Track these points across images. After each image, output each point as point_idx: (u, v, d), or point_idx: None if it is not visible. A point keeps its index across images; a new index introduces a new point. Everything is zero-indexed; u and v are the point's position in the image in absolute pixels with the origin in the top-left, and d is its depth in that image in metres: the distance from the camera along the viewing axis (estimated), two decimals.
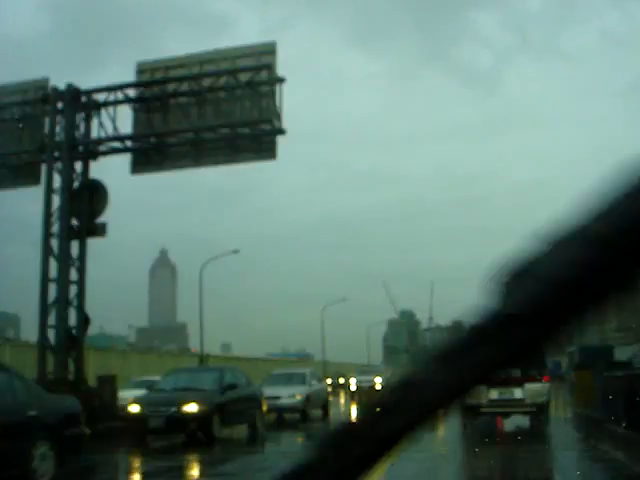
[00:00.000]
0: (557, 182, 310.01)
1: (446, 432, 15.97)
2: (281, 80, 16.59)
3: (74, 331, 16.51)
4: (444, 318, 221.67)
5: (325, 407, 20.68)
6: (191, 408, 12.93)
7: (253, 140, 17.12)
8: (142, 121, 17.32)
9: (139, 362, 32.82)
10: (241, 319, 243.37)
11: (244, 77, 16.47)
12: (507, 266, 0.69)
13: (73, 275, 16.83)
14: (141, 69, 17.63)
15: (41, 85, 17.75)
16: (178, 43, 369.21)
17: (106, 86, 17.79)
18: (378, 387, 31.17)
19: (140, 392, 15.75)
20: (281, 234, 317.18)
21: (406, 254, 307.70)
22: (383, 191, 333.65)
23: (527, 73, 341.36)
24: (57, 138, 17.01)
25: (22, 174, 18.16)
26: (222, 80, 16.75)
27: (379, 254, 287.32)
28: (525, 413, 14.73)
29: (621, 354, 27.57)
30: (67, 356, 16.32)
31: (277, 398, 17.66)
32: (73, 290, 16.75)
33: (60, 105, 17.12)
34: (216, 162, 17.81)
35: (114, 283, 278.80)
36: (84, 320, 16.62)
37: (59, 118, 17.12)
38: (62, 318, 16.25)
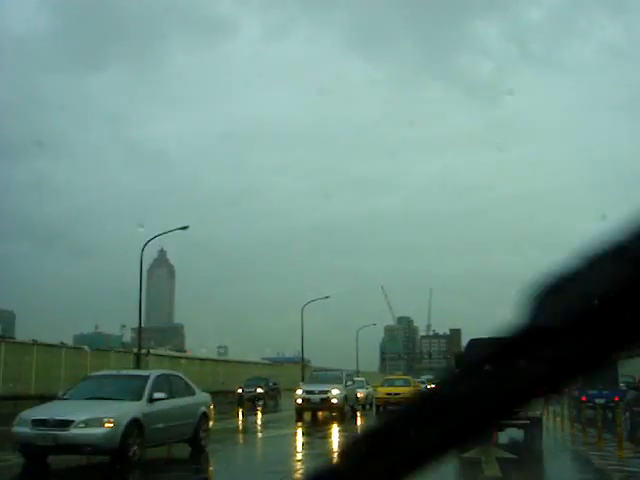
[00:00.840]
0: (557, 194, 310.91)
1: None
2: None
3: None
4: (442, 326, 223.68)
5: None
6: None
7: None
8: None
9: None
10: (238, 322, 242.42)
11: None
12: (542, 281, 0.73)
13: None
14: None
15: None
16: (179, 46, 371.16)
17: None
18: (335, 401, 24.12)
19: None
20: (280, 238, 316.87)
21: (404, 262, 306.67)
22: (382, 198, 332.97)
23: (528, 84, 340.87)
24: None
25: None
26: None
27: (377, 261, 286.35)
28: (519, 427, 14.84)
29: (625, 367, 26.68)
30: None
31: None
32: None
33: None
34: None
35: (111, 283, 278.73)
36: None
37: None
38: None
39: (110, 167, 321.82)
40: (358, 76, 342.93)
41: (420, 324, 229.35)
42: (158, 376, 12.40)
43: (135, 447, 10.59)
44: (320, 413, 24.90)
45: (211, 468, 12.79)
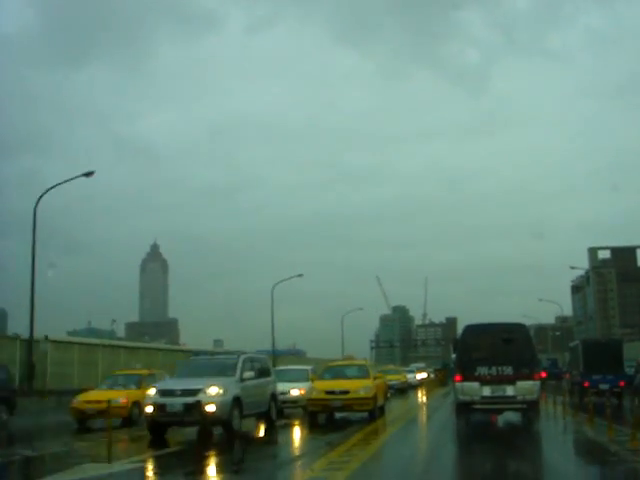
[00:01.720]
0: (546, 181, 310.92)
1: (441, 426, 16.58)
2: None
3: None
4: (438, 315, 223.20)
5: None
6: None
7: None
8: None
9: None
10: (233, 316, 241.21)
11: None
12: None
13: None
14: None
15: None
16: (165, 39, 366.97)
17: None
18: (210, 409, 12.87)
19: None
20: (273, 231, 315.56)
21: (399, 252, 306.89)
22: (375, 189, 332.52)
23: (515, 72, 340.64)
24: None
25: None
26: None
27: (372, 252, 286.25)
28: (516, 410, 15.20)
29: (629, 351, 25.90)
30: None
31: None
32: None
33: None
34: None
35: (104, 278, 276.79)
36: None
37: None
38: None
39: (99, 163, 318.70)
40: (346, 67, 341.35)
41: (416, 313, 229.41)
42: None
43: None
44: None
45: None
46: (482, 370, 14.67)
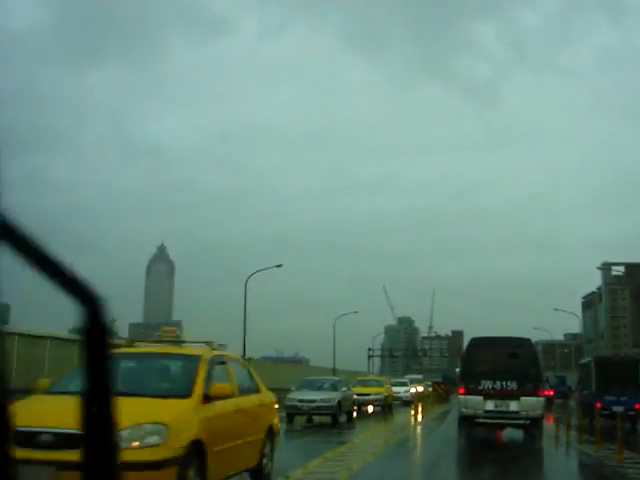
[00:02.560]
0: (556, 197, 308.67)
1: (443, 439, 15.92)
2: None
3: None
4: (444, 328, 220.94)
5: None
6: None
7: None
8: None
9: None
10: (238, 322, 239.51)
11: None
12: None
13: None
14: None
15: None
16: (178, 41, 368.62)
17: None
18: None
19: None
20: (280, 238, 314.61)
21: (406, 263, 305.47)
22: (384, 200, 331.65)
23: (526, 88, 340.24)
24: None
25: None
26: None
27: (378, 262, 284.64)
28: (519, 426, 14.97)
29: None
30: None
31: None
32: None
33: None
34: None
35: (110, 278, 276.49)
36: None
37: None
38: None
39: (108, 164, 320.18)
40: (357, 77, 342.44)
41: (422, 325, 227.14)
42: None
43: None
44: None
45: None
46: (486, 384, 14.51)
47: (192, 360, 7.10)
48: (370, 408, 27.22)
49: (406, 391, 37.06)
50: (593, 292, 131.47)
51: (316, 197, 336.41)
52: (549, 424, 22.72)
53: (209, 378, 6.74)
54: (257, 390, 8.41)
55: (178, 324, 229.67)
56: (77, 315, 0.97)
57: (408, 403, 32.45)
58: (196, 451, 5.85)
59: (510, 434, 15.95)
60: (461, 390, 14.88)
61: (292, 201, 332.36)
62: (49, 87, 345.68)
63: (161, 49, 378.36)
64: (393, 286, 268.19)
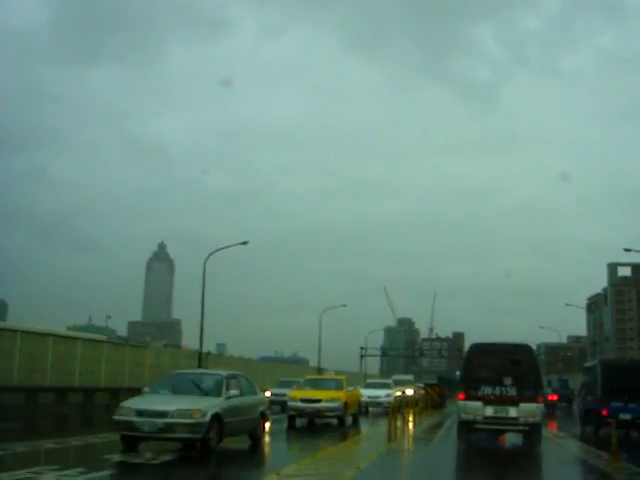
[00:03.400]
0: (557, 201, 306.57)
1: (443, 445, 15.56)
2: None
3: None
4: (444, 330, 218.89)
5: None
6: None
7: None
8: None
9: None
10: (237, 320, 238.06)
11: None
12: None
13: None
14: None
15: None
16: (178, 41, 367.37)
17: None
18: None
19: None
20: (281, 238, 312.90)
21: (408, 265, 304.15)
22: (385, 202, 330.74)
23: (526, 91, 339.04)
24: None
25: None
26: None
27: (379, 263, 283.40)
28: (518, 432, 15.09)
29: None
30: None
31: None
32: None
33: None
34: None
35: (110, 276, 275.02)
36: None
37: None
38: None
39: (109, 163, 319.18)
40: (358, 77, 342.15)
41: (422, 327, 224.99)
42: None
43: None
44: None
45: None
46: (486, 390, 14.60)
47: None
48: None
49: (388, 395, 28.65)
50: (598, 293, 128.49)
51: (317, 197, 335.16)
52: (552, 432, 20.86)
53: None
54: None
55: (177, 323, 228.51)
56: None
57: (341, 421, 20.42)
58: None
59: (510, 441, 15.68)
60: (461, 396, 14.92)
61: (293, 201, 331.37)
62: (51, 86, 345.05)
63: (163, 48, 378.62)
64: (394, 288, 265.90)
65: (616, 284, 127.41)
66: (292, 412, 19.18)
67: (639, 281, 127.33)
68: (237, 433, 12.98)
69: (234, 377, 13.43)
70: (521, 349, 15.77)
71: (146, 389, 13.61)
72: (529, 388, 14.54)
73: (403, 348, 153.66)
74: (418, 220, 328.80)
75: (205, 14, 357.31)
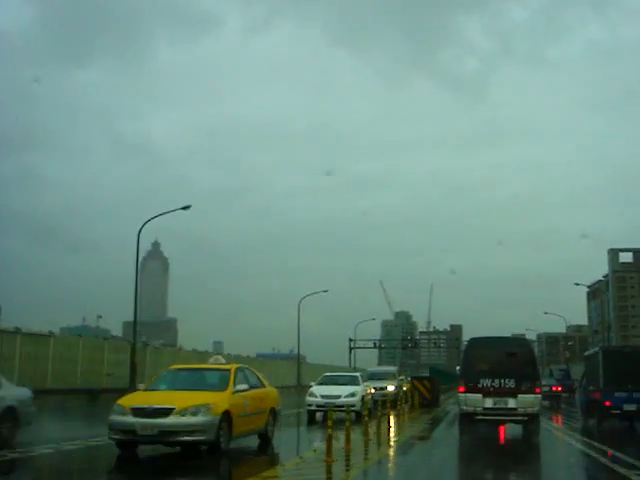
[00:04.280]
0: (551, 192, 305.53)
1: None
2: None
3: None
4: (442, 323, 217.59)
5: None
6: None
7: None
8: None
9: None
10: (233, 317, 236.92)
11: None
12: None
13: None
14: None
15: None
16: (164, 40, 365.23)
17: None
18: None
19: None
20: (275, 235, 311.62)
21: (404, 259, 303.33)
22: (381, 195, 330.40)
23: (514, 82, 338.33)
24: None
25: None
26: None
27: (375, 258, 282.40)
28: (517, 422, 15.45)
29: None
30: None
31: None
32: None
33: None
34: None
35: (103, 275, 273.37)
36: None
37: None
38: None
39: (100, 162, 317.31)
40: (346, 72, 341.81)
41: (419, 320, 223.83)
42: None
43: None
44: None
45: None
46: (485, 382, 15.10)
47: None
48: None
49: (351, 394, 19.82)
50: (599, 280, 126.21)
51: (311, 194, 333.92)
52: (557, 426, 19.32)
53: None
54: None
55: (173, 322, 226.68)
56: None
57: (359, 415, 17.24)
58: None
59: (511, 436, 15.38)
60: (461, 388, 15.47)
61: (286, 198, 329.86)
62: (38, 87, 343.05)
63: (150, 47, 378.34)
64: (390, 282, 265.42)
65: (618, 270, 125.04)
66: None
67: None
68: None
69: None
70: (518, 342, 16.91)
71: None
72: (527, 380, 15.02)
73: (400, 341, 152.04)
74: (414, 214, 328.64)
75: (191, 12, 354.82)
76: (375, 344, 76.71)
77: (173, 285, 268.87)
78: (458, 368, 17.47)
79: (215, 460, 10.19)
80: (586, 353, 24.00)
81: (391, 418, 16.39)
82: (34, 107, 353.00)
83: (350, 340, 69.50)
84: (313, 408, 20.04)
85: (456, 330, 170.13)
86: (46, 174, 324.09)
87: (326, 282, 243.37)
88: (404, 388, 28.62)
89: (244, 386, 11.52)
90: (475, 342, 16.45)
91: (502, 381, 14.99)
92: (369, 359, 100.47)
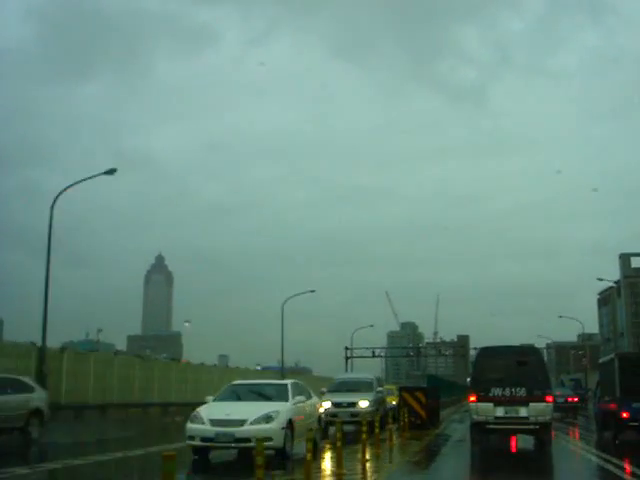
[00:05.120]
0: (556, 202, 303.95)
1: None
2: None
3: None
4: (449, 334, 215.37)
5: None
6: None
7: None
8: None
9: None
10: (238, 331, 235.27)
11: None
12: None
13: None
14: None
15: None
16: (164, 54, 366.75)
17: None
18: None
19: None
20: (280, 248, 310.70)
21: (409, 271, 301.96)
22: (385, 208, 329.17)
23: (514, 91, 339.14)
24: None
25: None
26: None
27: (382, 270, 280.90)
28: (529, 431, 15.40)
29: None
30: None
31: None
32: None
33: None
34: None
35: (108, 290, 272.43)
36: None
37: None
38: None
39: (103, 177, 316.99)
40: (347, 84, 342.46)
41: (426, 331, 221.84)
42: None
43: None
44: None
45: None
46: (496, 391, 15.10)
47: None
48: None
49: (268, 417, 11.59)
50: (610, 287, 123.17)
51: (315, 207, 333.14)
52: (575, 442, 17.89)
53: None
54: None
55: (177, 335, 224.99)
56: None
57: (283, 454, 11.76)
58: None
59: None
60: (472, 398, 15.43)
61: (291, 211, 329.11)
62: (40, 103, 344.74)
63: (150, 62, 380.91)
64: (397, 294, 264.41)
65: (629, 275, 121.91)
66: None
67: None
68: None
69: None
70: (528, 351, 16.69)
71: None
72: (538, 388, 14.94)
73: (402, 349, 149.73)
74: (419, 225, 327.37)
75: (191, 26, 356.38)
76: (374, 353, 69.67)
77: (177, 299, 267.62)
78: (469, 380, 16.85)
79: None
80: (600, 360, 22.42)
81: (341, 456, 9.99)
82: (36, 123, 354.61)
83: (347, 349, 64.16)
84: (196, 443, 11.53)
85: (463, 340, 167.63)
86: (49, 189, 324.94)
87: (331, 295, 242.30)
88: (393, 402, 23.75)
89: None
90: (485, 351, 16.44)
91: (513, 390, 15.01)
92: (373, 370, 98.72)
